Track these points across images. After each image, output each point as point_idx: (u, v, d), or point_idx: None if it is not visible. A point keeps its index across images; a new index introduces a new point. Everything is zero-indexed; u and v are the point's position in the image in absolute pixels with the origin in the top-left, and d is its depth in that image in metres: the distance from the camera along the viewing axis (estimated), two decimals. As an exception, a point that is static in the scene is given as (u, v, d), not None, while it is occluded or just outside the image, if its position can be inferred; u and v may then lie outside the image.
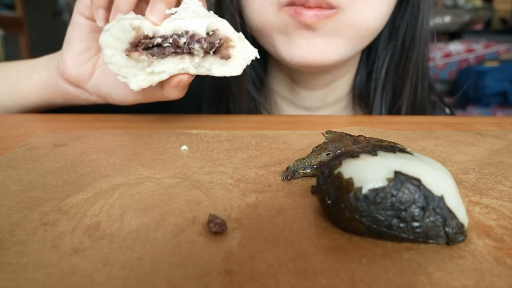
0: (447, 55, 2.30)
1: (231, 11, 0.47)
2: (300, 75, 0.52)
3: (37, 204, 0.23)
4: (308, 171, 0.27)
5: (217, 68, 0.34)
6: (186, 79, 0.34)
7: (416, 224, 0.18)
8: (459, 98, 1.88)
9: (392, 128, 0.40)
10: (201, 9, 0.33)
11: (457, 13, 2.41)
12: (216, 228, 0.20)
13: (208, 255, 0.18)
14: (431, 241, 0.19)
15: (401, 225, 0.18)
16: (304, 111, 0.56)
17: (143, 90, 0.38)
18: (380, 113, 0.54)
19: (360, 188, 0.18)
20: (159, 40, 0.32)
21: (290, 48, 0.45)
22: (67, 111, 0.47)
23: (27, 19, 3.33)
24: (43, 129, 0.39)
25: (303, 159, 0.27)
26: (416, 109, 0.54)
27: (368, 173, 0.19)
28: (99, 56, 0.41)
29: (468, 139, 0.36)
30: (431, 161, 0.20)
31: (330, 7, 0.41)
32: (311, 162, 0.27)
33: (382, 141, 0.28)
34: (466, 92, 2.11)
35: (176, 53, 0.33)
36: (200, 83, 0.54)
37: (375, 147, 0.21)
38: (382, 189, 0.18)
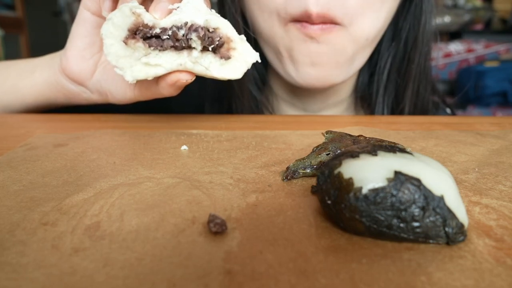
0: (447, 55, 2.30)
1: (233, 12, 0.47)
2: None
3: (37, 204, 0.23)
4: (308, 171, 0.27)
5: (216, 68, 0.33)
6: (184, 81, 0.33)
7: (416, 224, 0.18)
8: (459, 98, 1.88)
9: (392, 128, 0.40)
10: (203, 6, 0.32)
11: (457, 13, 2.41)
12: (216, 228, 0.20)
13: (208, 255, 0.18)
14: (431, 241, 0.19)
15: (401, 225, 0.18)
16: (306, 113, 0.56)
17: (139, 86, 0.38)
18: (382, 115, 0.54)
19: (360, 188, 0.18)
20: (157, 31, 0.32)
21: (296, 71, 0.46)
22: (68, 111, 0.47)
23: (27, 19, 3.33)
24: (43, 129, 0.39)
25: (303, 159, 0.27)
26: (418, 111, 0.54)
27: (368, 173, 0.19)
28: (101, 54, 0.41)
29: (468, 139, 0.36)
30: (431, 161, 0.20)
31: (334, 23, 0.42)
32: (311, 162, 0.27)
33: (382, 141, 0.28)
34: (466, 92, 2.11)
35: (175, 48, 0.32)
36: (202, 84, 0.54)
37: (375, 147, 0.21)
38: (382, 189, 0.18)
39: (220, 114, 0.54)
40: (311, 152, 0.28)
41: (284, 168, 0.28)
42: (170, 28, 0.32)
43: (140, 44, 0.32)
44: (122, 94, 0.40)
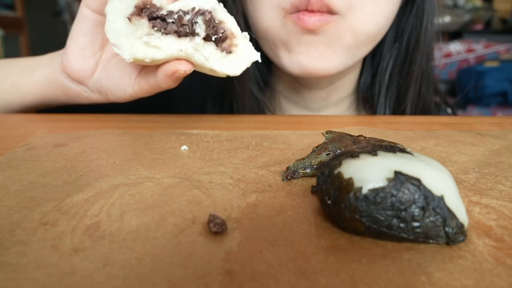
0: (447, 55, 2.30)
1: (233, 12, 0.47)
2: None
3: (37, 204, 0.23)
4: (308, 171, 0.27)
5: (216, 60, 0.33)
6: (182, 71, 0.33)
7: (416, 224, 0.18)
8: (459, 98, 1.88)
9: (392, 128, 0.40)
10: None
11: (457, 13, 2.41)
12: (216, 228, 0.20)
13: (208, 255, 0.18)
14: (431, 241, 0.19)
15: (401, 225, 0.18)
16: (307, 112, 0.56)
17: (139, 80, 0.38)
18: (384, 115, 0.54)
19: (360, 188, 0.18)
20: (164, 13, 0.32)
21: (291, 59, 0.46)
22: (68, 111, 0.47)
23: (27, 19, 3.33)
24: (43, 129, 0.39)
25: (303, 159, 0.27)
26: (420, 111, 0.54)
27: (368, 173, 0.19)
28: (102, 52, 0.41)
29: (468, 139, 0.36)
30: (431, 161, 0.20)
31: (331, 12, 0.42)
32: (311, 162, 0.27)
33: (382, 141, 0.28)
34: (466, 92, 2.11)
35: (178, 34, 0.32)
36: (205, 83, 0.54)
37: (375, 147, 0.21)
38: (382, 189, 0.18)
39: (221, 113, 0.54)
40: (311, 152, 0.28)
41: (284, 168, 0.28)
42: (177, 12, 0.32)
43: (144, 21, 0.32)
44: (122, 91, 0.40)
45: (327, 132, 0.30)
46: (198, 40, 0.32)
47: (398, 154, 0.20)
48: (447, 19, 2.36)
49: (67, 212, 0.22)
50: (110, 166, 0.29)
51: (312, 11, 0.42)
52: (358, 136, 0.29)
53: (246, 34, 0.33)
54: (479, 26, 2.54)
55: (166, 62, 0.33)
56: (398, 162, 0.19)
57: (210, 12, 0.32)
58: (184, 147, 0.33)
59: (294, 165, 0.27)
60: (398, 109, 0.54)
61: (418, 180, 0.18)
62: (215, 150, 0.32)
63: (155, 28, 0.32)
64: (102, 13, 0.37)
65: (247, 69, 0.34)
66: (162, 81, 0.34)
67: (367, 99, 0.56)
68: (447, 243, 0.19)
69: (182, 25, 0.32)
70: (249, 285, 0.16)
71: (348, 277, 0.16)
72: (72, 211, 0.22)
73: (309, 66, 0.45)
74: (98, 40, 0.40)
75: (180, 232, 0.20)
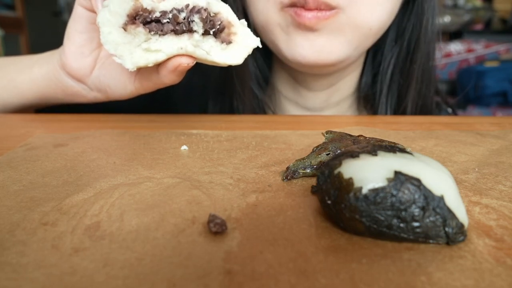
0: (447, 55, 2.30)
1: (235, 10, 0.47)
2: (302, 76, 0.52)
3: (37, 204, 0.23)
4: (308, 171, 0.27)
5: (217, 52, 0.33)
6: (185, 64, 0.32)
7: (416, 224, 0.18)
8: (459, 98, 1.88)
9: (392, 128, 0.40)
10: None
11: (457, 13, 2.41)
12: (216, 228, 0.20)
13: (208, 255, 0.18)
14: (431, 241, 0.19)
15: (401, 225, 0.18)
16: (307, 112, 0.56)
17: (140, 77, 0.38)
18: (385, 115, 0.54)
19: (360, 188, 0.18)
20: (157, 15, 0.31)
21: (291, 47, 0.45)
22: (67, 111, 0.47)
23: (27, 19, 3.33)
24: (43, 129, 0.39)
25: (303, 159, 0.27)
26: (421, 111, 0.54)
27: (368, 173, 0.19)
28: (100, 49, 0.40)
29: (468, 139, 0.36)
30: (431, 161, 0.20)
31: (330, 8, 0.41)
32: (311, 162, 0.27)
33: (382, 141, 0.28)
34: (466, 92, 2.11)
35: (175, 32, 0.31)
36: (206, 81, 0.54)
37: (375, 147, 0.21)
38: (382, 189, 0.18)
39: (222, 112, 0.54)
40: (311, 152, 0.28)
41: (284, 168, 0.28)
42: (171, 11, 0.31)
43: (140, 29, 0.31)
44: (122, 88, 0.39)
45: (327, 132, 0.30)
46: (197, 36, 0.32)
47: (398, 154, 0.20)
48: (447, 19, 2.36)
49: (67, 212, 0.22)
50: (110, 166, 0.29)
51: (309, 9, 0.41)
52: (358, 136, 0.29)
53: (243, 21, 0.33)
54: (479, 26, 2.54)
55: (168, 59, 0.33)
56: (398, 162, 0.19)
57: (205, 10, 0.31)
58: (184, 147, 0.33)
59: (294, 165, 0.27)
60: (399, 109, 0.54)
61: (418, 180, 0.18)
62: (215, 150, 0.32)
63: (152, 32, 0.31)
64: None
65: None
66: (165, 77, 0.34)
67: (368, 99, 0.56)
68: (447, 243, 0.19)
69: (178, 23, 0.31)
70: (249, 285, 0.16)
71: (348, 277, 0.16)
72: (72, 211, 0.22)
73: (310, 57, 0.45)
74: (95, 37, 0.40)
75: (180, 232, 0.20)
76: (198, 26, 0.31)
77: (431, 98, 0.55)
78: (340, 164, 0.20)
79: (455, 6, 2.54)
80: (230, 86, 0.52)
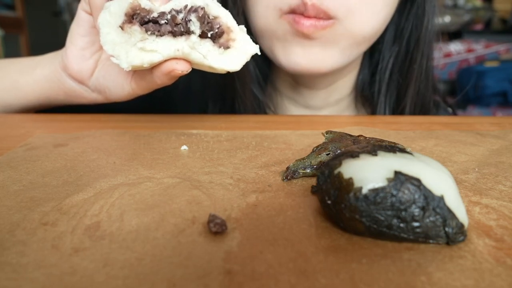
0: (447, 55, 2.30)
1: (234, 13, 0.47)
2: (301, 76, 0.53)
3: (37, 204, 0.23)
4: (308, 171, 0.27)
5: (214, 57, 0.32)
6: (179, 71, 0.32)
7: (416, 224, 0.18)
8: (459, 98, 1.88)
9: (392, 128, 0.40)
10: None
11: (457, 13, 2.41)
12: (216, 228, 0.20)
13: (208, 255, 0.18)
14: (431, 241, 0.19)
15: (401, 225, 0.18)
16: (307, 110, 0.56)
17: (135, 77, 0.38)
18: (384, 114, 0.54)
19: (360, 188, 0.18)
20: (155, 15, 0.31)
21: (287, 55, 0.46)
22: (68, 111, 0.47)
23: (27, 19, 3.33)
24: (43, 129, 0.39)
25: (303, 159, 0.27)
26: (419, 110, 0.54)
27: (368, 173, 0.19)
28: (101, 52, 0.41)
29: (468, 139, 0.36)
30: (431, 161, 0.20)
31: (328, 17, 0.42)
32: (311, 162, 0.27)
33: (382, 141, 0.28)
34: (466, 92, 2.11)
35: (173, 33, 0.31)
36: (206, 83, 0.54)
37: (375, 147, 0.21)
38: (382, 189, 0.18)
39: (223, 113, 0.54)
40: (311, 152, 0.28)
41: (284, 168, 0.28)
42: (169, 12, 0.31)
43: (136, 27, 0.31)
44: (120, 89, 0.40)
45: (327, 132, 0.30)
46: (194, 38, 0.31)
47: (398, 154, 0.20)
48: (447, 19, 2.36)
49: (67, 212, 0.22)
50: (110, 166, 0.29)
51: (308, 16, 0.42)
52: (358, 136, 0.29)
53: (243, 27, 0.33)
54: (479, 26, 2.54)
55: (165, 61, 0.33)
56: (398, 162, 0.19)
57: (202, 8, 0.31)
58: (184, 147, 0.33)
59: (294, 165, 0.27)
60: (397, 108, 0.54)
61: (418, 180, 0.18)
62: (215, 150, 0.32)
63: (149, 32, 0.31)
64: None
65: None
66: (158, 78, 0.34)
67: (366, 98, 0.56)
68: (447, 243, 0.19)
69: (176, 24, 0.31)
70: (249, 285, 0.16)
71: (348, 277, 0.16)
72: (72, 211, 0.22)
73: (304, 65, 0.45)
74: (97, 41, 0.40)
75: (180, 232, 0.20)
76: (195, 26, 0.31)
77: (429, 97, 0.55)
78: (340, 164, 0.20)
79: (455, 6, 2.54)
80: (231, 87, 0.52)
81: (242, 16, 0.48)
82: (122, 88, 0.40)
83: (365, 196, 0.18)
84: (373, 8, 0.44)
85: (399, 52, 0.52)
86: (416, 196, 0.18)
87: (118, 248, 0.19)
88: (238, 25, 0.33)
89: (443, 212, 0.18)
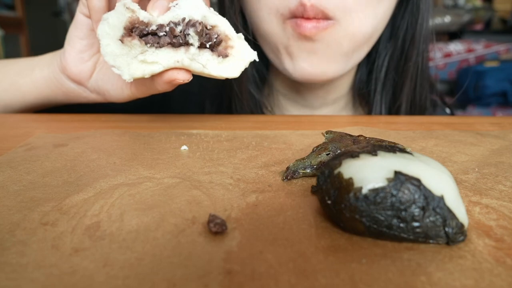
0: (447, 55, 2.30)
1: (231, 13, 0.47)
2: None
3: (37, 204, 0.23)
4: (308, 171, 0.27)
5: (214, 66, 0.33)
6: (180, 80, 0.33)
7: (416, 224, 0.18)
8: (459, 98, 1.88)
9: (392, 128, 0.40)
10: (201, 3, 0.32)
11: (457, 13, 2.41)
12: (216, 228, 0.20)
13: (208, 255, 0.18)
14: (431, 241, 0.19)
15: (401, 225, 0.18)
16: (306, 109, 0.56)
17: (136, 82, 0.38)
18: (380, 113, 0.54)
19: (360, 188, 0.18)
20: (154, 28, 0.31)
21: (293, 65, 0.46)
22: (67, 111, 0.47)
23: (27, 19, 3.33)
24: (43, 129, 0.39)
25: (303, 159, 0.27)
26: (415, 109, 0.54)
27: (368, 173, 0.19)
28: (100, 54, 0.41)
29: (468, 139, 0.36)
30: (431, 161, 0.20)
31: (326, 17, 0.42)
32: (311, 162, 0.27)
33: (382, 141, 0.28)
34: (466, 92, 2.11)
35: (172, 45, 0.32)
36: (203, 83, 0.54)
37: (375, 147, 0.21)
38: (382, 189, 0.18)
39: (220, 113, 0.54)
40: (311, 152, 0.28)
41: (284, 168, 0.28)
42: (168, 24, 0.32)
43: (136, 41, 0.32)
44: (119, 92, 0.40)
45: (327, 132, 0.30)
46: (193, 50, 0.32)
47: (398, 154, 0.20)
48: (447, 19, 2.36)
49: (67, 212, 0.22)
50: (110, 166, 0.29)
51: (308, 18, 0.42)
52: (358, 136, 0.29)
53: (241, 35, 0.33)
54: (479, 26, 2.55)
55: (165, 70, 0.33)
56: (398, 162, 0.19)
57: (200, 23, 0.32)
58: (184, 147, 0.33)
59: (294, 165, 0.27)
60: (393, 106, 0.54)
61: (418, 180, 0.18)
62: (215, 150, 0.32)
63: (148, 45, 0.32)
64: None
65: (245, 69, 0.34)
66: (159, 85, 0.35)
67: (363, 96, 0.56)
68: (447, 243, 0.19)
69: (175, 36, 0.32)
70: (249, 285, 0.16)
71: (348, 277, 0.16)
72: (72, 211, 0.22)
73: (311, 72, 0.46)
74: (95, 43, 0.41)
75: (180, 232, 0.20)
76: (193, 39, 0.32)
77: (426, 96, 0.55)
78: (340, 164, 0.20)
79: (455, 6, 2.55)
80: (228, 87, 0.53)
81: (240, 16, 0.48)
82: (122, 91, 0.40)
83: (365, 196, 0.18)
84: (371, 7, 0.44)
85: (394, 50, 0.53)
86: (416, 196, 0.18)
87: (118, 248, 0.19)
88: (236, 31, 0.33)
89: (443, 212, 0.18)
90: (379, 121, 0.44)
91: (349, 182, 0.19)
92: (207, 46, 0.33)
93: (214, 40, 0.32)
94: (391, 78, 0.53)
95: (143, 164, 0.29)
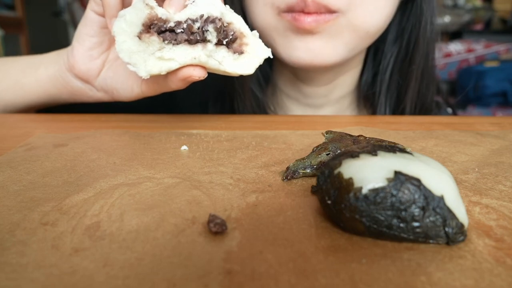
0: (447, 55, 2.30)
1: (233, 9, 0.47)
2: (303, 72, 0.53)
3: (37, 204, 0.23)
4: (308, 171, 0.27)
5: (229, 62, 0.33)
6: (196, 77, 0.33)
7: (416, 224, 0.18)
8: (458, 98, 1.88)
9: (392, 128, 0.40)
10: (218, 1, 0.32)
11: (457, 13, 2.41)
12: (216, 228, 0.20)
13: (208, 255, 0.18)
14: (431, 241, 0.19)
15: (401, 225, 0.18)
16: (308, 108, 0.56)
17: (147, 80, 0.38)
18: (384, 114, 0.54)
19: (360, 188, 0.18)
20: (172, 25, 0.31)
21: (289, 50, 0.46)
22: (68, 111, 0.47)
23: (27, 19, 3.33)
24: (43, 129, 0.39)
25: (303, 159, 0.27)
26: (420, 111, 0.54)
27: (368, 173, 0.19)
28: (109, 52, 0.41)
29: (468, 139, 0.36)
30: (431, 161, 0.20)
31: (330, 11, 0.42)
32: (311, 162, 0.27)
33: (382, 141, 0.28)
34: (466, 92, 2.11)
35: (189, 41, 0.32)
36: (206, 81, 0.55)
37: (375, 147, 0.21)
38: (382, 189, 0.18)
39: (223, 113, 0.54)
40: (311, 152, 0.28)
41: (284, 168, 0.28)
42: (185, 21, 0.32)
43: (154, 38, 0.31)
44: (129, 91, 0.40)
45: (327, 132, 0.30)
46: (211, 46, 0.32)
47: (398, 154, 0.20)
48: (447, 19, 2.36)
49: (67, 212, 0.22)
50: (110, 166, 0.29)
51: (308, 13, 0.42)
52: (358, 136, 0.29)
53: (255, 32, 0.34)
54: (479, 26, 2.55)
55: (181, 67, 0.33)
56: (398, 162, 0.19)
57: (220, 19, 0.32)
58: (184, 147, 0.33)
59: (294, 165, 0.27)
60: (397, 109, 0.54)
61: (418, 180, 0.18)
62: (215, 150, 0.32)
63: (166, 41, 0.32)
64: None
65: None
66: (172, 83, 0.34)
67: (367, 98, 0.56)
68: (447, 243, 0.19)
69: (192, 33, 0.32)
70: (249, 285, 0.16)
71: (348, 277, 0.16)
72: (72, 211, 0.22)
73: (307, 59, 0.45)
74: (105, 41, 0.40)
75: (180, 232, 0.20)
76: (212, 35, 0.32)
77: (431, 98, 0.55)
78: (340, 164, 0.20)
79: (455, 6, 2.55)
80: (230, 87, 0.53)
81: (241, 13, 0.48)
82: (131, 90, 0.40)
83: (365, 196, 0.18)
84: (376, 3, 0.44)
85: (399, 52, 0.52)
86: (416, 196, 0.18)
87: (118, 248, 0.19)
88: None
89: (443, 212, 0.18)
90: (379, 121, 0.44)
91: (349, 182, 0.19)
92: (224, 43, 0.33)
93: (230, 37, 0.33)
94: (395, 81, 0.53)
95: (143, 164, 0.29)
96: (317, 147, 0.28)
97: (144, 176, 0.27)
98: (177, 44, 0.32)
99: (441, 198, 0.18)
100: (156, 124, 0.41)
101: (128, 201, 0.23)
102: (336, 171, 0.20)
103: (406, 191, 0.18)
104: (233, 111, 0.53)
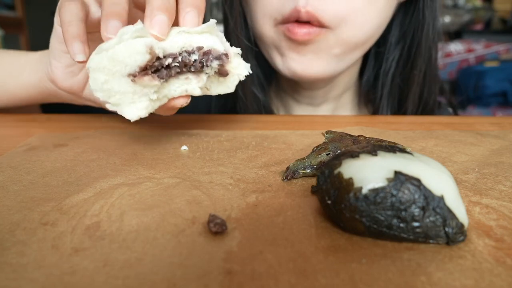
0: (447, 55, 2.30)
1: (233, 15, 0.48)
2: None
3: (37, 204, 0.23)
4: (308, 171, 0.27)
5: (215, 86, 0.32)
6: (179, 105, 0.31)
7: (416, 224, 0.18)
8: (459, 98, 1.88)
9: (392, 128, 0.40)
10: (221, 35, 0.30)
11: (457, 13, 2.41)
12: (216, 228, 0.20)
13: (208, 255, 0.18)
14: (431, 241, 0.19)
15: (401, 225, 0.18)
16: (310, 107, 0.57)
17: None
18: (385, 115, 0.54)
19: (360, 188, 0.18)
20: (169, 61, 0.28)
21: (283, 63, 0.48)
22: (68, 111, 0.47)
23: (27, 19, 3.33)
24: (43, 129, 0.39)
25: (303, 159, 0.27)
26: (422, 112, 0.54)
27: (368, 173, 0.19)
28: None
29: (468, 139, 0.36)
30: (431, 161, 0.20)
31: (321, 25, 0.43)
32: (311, 162, 0.27)
33: (382, 141, 0.28)
34: (466, 92, 2.11)
35: (181, 72, 0.29)
36: None
37: (375, 147, 0.21)
38: (382, 189, 0.18)
39: (225, 113, 0.54)
40: (311, 152, 0.28)
41: (284, 168, 0.28)
42: (180, 54, 0.29)
43: (152, 79, 0.28)
44: None
45: (327, 132, 0.30)
46: (205, 78, 0.30)
47: (398, 154, 0.20)
48: (447, 19, 2.36)
49: (67, 212, 0.22)
50: (110, 166, 0.29)
51: (302, 23, 0.43)
52: (358, 136, 0.29)
53: (238, 49, 0.31)
54: (479, 26, 2.55)
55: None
56: (398, 162, 0.19)
57: (226, 55, 0.30)
58: (184, 147, 0.33)
59: (294, 165, 0.27)
60: (399, 111, 0.54)
61: (418, 180, 0.18)
62: (215, 150, 0.32)
63: (162, 80, 0.28)
64: None
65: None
66: (159, 111, 0.32)
67: (369, 99, 0.56)
68: (447, 243, 0.19)
69: (186, 65, 0.29)
70: (249, 285, 0.16)
71: (348, 277, 0.16)
72: (72, 211, 0.22)
73: (299, 71, 0.47)
74: None
75: (180, 232, 0.20)
76: (211, 69, 0.30)
77: (433, 101, 0.55)
78: (340, 164, 0.20)
79: (455, 6, 2.55)
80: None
81: (241, 18, 0.48)
82: None
83: (365, 196, 0.18)
84: (367, 16, 0.44)
85: (401, 55, 0.53)
86: (416, 196, 0.18)
87: (118, 248, 0.19)
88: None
89: (443, 212, 0.18)
90: (379, 121, 0.44)
91: (349, 182, 0.19)
92: (216, 70, 0.31)
93: (221, 63, 0.31)
94: (397, 84, 0.53)
95: (143, 164, 0.29)
96: (317, 147, 0.28)
97: (144, 176, 0.27)
98: (169, 77, 0.29)
99: (441, 198, 0.18)
100: (156, 124, 0.41)
101: (128, 201, 0.23)
102: (336, 171, 0.20)
103: (406, 191, 0.18)
104: (235, 113, 0.54)
